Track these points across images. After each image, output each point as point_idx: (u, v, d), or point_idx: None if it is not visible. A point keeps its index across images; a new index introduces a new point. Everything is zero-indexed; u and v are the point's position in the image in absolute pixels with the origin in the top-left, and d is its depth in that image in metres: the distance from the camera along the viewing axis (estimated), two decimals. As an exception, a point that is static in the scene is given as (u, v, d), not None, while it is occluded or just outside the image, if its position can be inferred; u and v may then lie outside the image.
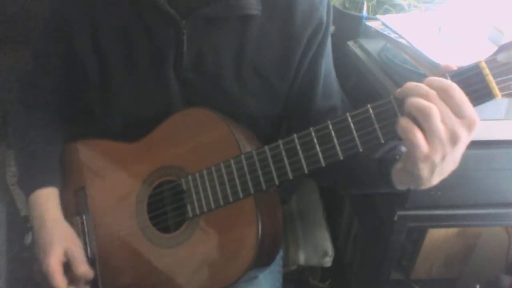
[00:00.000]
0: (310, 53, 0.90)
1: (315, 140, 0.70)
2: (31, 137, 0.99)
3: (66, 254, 0.88)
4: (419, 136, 0.61)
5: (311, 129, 0.71)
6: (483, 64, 0.61)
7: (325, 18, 0.88)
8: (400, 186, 0.76)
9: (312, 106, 0.94)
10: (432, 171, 0.64)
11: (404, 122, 0.62)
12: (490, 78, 0.61)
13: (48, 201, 0.94)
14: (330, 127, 0.69)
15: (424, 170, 0.64)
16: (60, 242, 0.89)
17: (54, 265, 0.86)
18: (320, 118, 0.94)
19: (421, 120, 0.61)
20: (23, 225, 1.30)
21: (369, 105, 0.66)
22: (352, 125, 0.67)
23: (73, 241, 0.91)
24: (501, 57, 0.61)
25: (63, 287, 0.86)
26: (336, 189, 1.30)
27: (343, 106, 0.97)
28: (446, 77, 0.62)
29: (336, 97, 0.97)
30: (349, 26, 1.35)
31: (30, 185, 0.94)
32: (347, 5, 1.43)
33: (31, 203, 0.94)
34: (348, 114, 0.67)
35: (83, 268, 0.89)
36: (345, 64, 1.27)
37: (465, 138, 0.61)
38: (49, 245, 0.88)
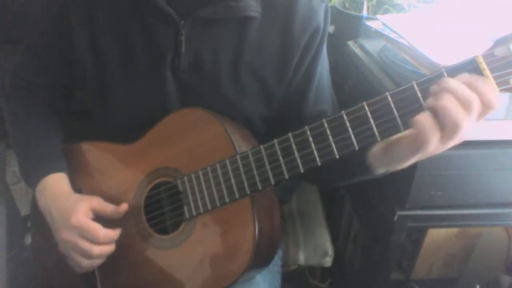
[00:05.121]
0: (308, 58, 0.90)
1: (310, 138, 0.70)
2: (33, 127, 0.97)
3: (91, 209, 0.86)
4: (437, 138, 0.61)
5: (306, 127, 0.70)
6: (480, 59, 0.60)
7: (322, 23, 0.88)
8: (381, 170, 0.75)
9: (303, 110, 0.94)
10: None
11: (425, 119, 0.61)
12: (487, 72, 0.60)
13: (60, 181, 0.92)
14: (325, 125, 0.69)
15: (417, 158, 0.65)
16: (82, 201, 0.87)
17: (82, 216, 0.84)
18: (310, 122, 0.93)
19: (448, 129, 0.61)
20: (23, 225, 1.30)
21: (364, 103, 0.65)
22: (347, 122, 0.67)
23: (93, 198, 0.89)
24: (498, 51, 0.60)
25: (99, 227, 0.84)
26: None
27: (334, 112, 0.96)
28: (442, 72, 0.62)
29: (327, 102, 0.96)
30: (349, 26, 1.35)
31: (37, 174, 0.92)
32: (347, 5, 1.43)
33: (39, 192, 0.91)
34: (343, 112, 0.67)
35: (112, 208, 0.87)
36: (345, 64, 1.27)
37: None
38: (74, 204, 0.85)
